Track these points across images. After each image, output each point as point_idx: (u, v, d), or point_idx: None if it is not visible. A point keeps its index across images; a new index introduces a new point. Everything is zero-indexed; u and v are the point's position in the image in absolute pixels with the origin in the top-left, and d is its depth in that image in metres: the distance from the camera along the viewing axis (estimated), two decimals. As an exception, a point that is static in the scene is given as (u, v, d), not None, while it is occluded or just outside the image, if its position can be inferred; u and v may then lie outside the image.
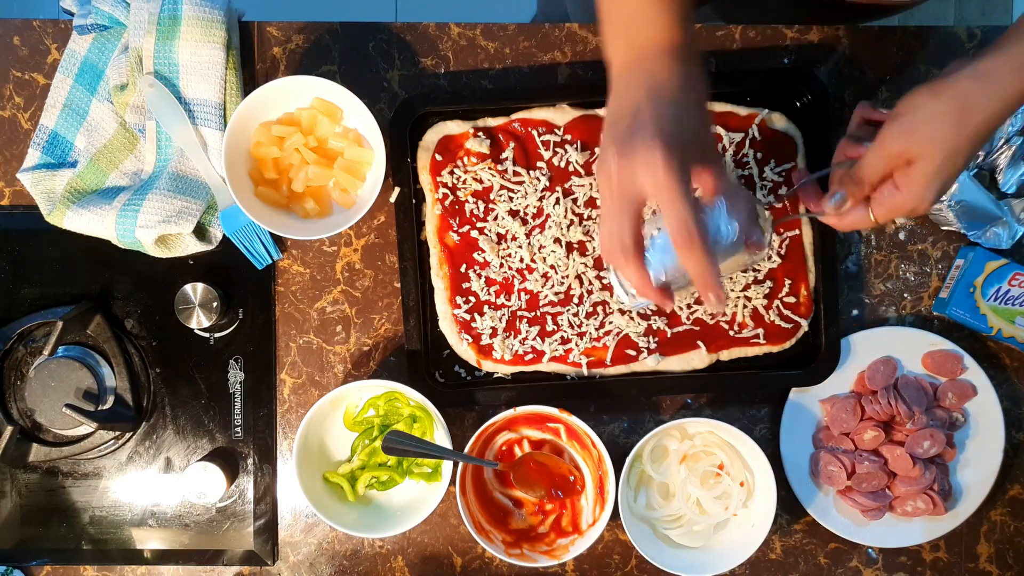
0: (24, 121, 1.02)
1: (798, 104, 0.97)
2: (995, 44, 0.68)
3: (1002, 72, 0.66)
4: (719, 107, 0.95)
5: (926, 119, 0.68)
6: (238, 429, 1.00)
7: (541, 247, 0.96)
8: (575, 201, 0.96)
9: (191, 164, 0.97)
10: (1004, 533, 1.01)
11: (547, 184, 0.96)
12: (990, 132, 0.67)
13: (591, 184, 0.95)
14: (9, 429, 0.95)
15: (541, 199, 0.96)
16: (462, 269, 0.96)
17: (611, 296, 0.96)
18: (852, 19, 1.05)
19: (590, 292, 0.96)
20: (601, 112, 0.96)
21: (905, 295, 1.00)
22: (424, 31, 1.01)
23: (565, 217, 0.95)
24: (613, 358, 0.96)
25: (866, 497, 0.96)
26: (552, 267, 0.96)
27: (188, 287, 0.96)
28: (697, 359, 0.96)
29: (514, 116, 0.96)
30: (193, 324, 0.97)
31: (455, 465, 0.95)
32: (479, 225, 0.96)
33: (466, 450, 0.95)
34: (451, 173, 0.96)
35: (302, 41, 1.01)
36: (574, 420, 0.93)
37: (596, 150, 0.95)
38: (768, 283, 0.95)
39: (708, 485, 0.97)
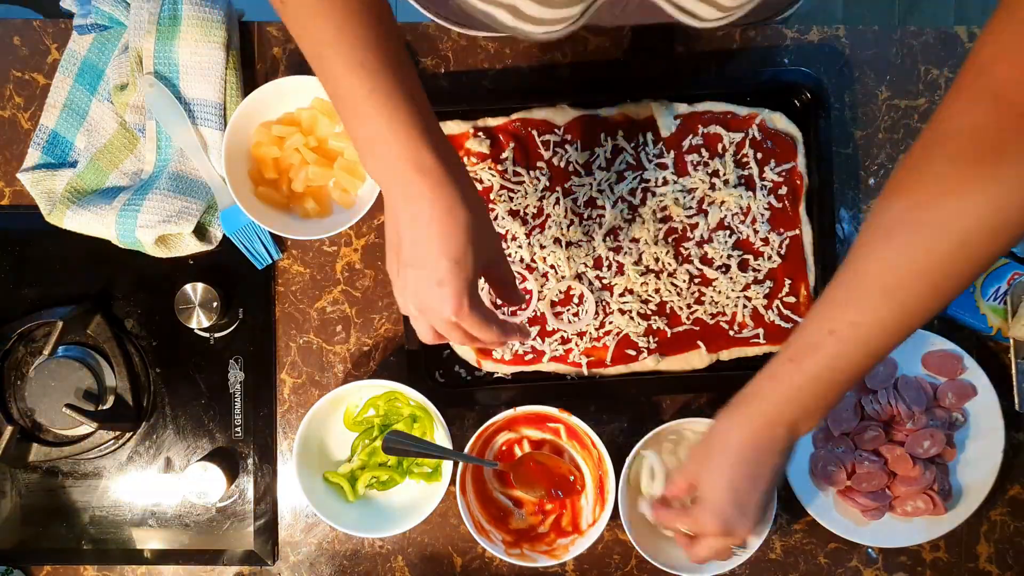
0: (24, 121, 1.02)
1: (798, 104, 0.97)
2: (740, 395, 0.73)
3: (745, 406, 0.72)
4: (719, 107, 0.95)
5: (695, 449, 0.77)
6: (238, 429, 1.00)
7: (541, 247, 0.96)
8: (575, 201, 0.96)
9: (191, 164, 0.97)
10: (1004, 533, 1.01)
11: (547, 184, 0.96)
12: (750, 460, 0.72)
13: (591, 184, 0.95)
14: (9, 429, 0.95)
15: (541, 199, 0.96)
16: (462, 269, 0.96)
17: (611, 296, 0.96)
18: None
19: (590, 292, 0.96)
20: (602, 112, 0.96)
21: (905, 295, 1.00)
22: (424, 31, 1.01)
23: (565, 217, 0.95)
24: (613, 358, 0.96)
25: (866, 497, 0.96)
26: (552, 267, 0.96)
27: (188, 287, 0.96)
28: (697, 359, 0.96)
29: (514, 116, 0.96)
30: (193, 324, 0.97)
31: (455, 465, 0.95)
32: (479, 225, 0.96)
33: (466, 450, 0.95)
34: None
35: (302, 41, 1.01)
36: (574, 420, 0.93)
37: (596, 150, 0.95)
38: (768, 283, 0.95)
39: None
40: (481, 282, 0.76)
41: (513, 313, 0.96)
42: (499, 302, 0.96)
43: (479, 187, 0.96)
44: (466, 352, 0.97)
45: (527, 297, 0.74)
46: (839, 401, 0.71)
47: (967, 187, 0.59)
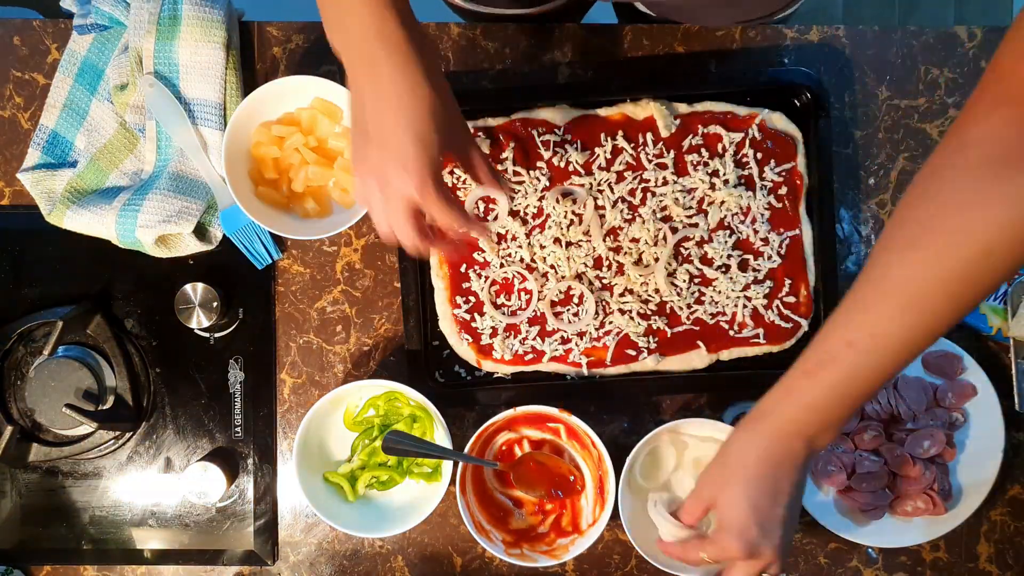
0: (24, 121, 1.02)
1: (798, 104, 0.97)
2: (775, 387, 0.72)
3: (761, 421, 0.71)
4: (719, 107, 0.95)
5: (707, 471, 0.75)
6: (238, 429, 1.00)
7: (541, 247, 0.96)
8: (575, 201, 0.96)
9: (191, 164, 0.97)
10: (1004, 533, 1.01)
11: (547, 184, 0.96)
12: (768, 475, 0.70)
13: (591, 184, 0.95)
14: (9, 429, 0.95)
15: (541, 199, 0.96)
16: (462, 269, 0.96)
17: (611, 296, 0.96)
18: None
19: (590, 291, 0.96)
20: (602, 112, 0.96)
21: (905, 295, 1.00)
22: (424, 31, 1.00)
23: (565, 217, 0.95)
24: (613, 358, 0.96)
25: (866, 497, 0.96)
26: (552, 267, 0.96)
27: (188, 287, 0.96)
28: (697, 359, 0.96)
29: (514, 116, 0.96)
30: (193, 324, 0.97)
31: (455, 465, 0.95)
32: (479, 225, 0.96)
33: (466, 450, 0.95)
34: (451, 173, 0.96)
35: (302, 41, 1.01)
36: (574, 420, 0.93)
37: (596, 150, 0.95)
38: (768, 283, 0.95)
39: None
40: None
41: (513, 313, 0.96)
42: (498, 302, 0.96)
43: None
44: (466, 352, 0.97)
45: (504, 180, 0.73)
46: (854, 413, 0.69)
47: (991, 195, 0.59)
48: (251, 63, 1.01)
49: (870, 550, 1.01)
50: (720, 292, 0.95)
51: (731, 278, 0.95)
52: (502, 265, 0.96)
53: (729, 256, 0.95)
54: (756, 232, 0.95)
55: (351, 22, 0.63)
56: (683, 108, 0.95)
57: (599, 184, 0.95)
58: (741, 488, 0.71)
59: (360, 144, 0.68)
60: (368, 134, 0.66)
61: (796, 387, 0.69)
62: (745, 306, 0.96)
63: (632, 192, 0.95)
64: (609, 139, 0.95)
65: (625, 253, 0.95)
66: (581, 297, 0.96)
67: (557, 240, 0.95)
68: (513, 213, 0.96)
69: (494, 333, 0.96)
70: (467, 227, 0.72)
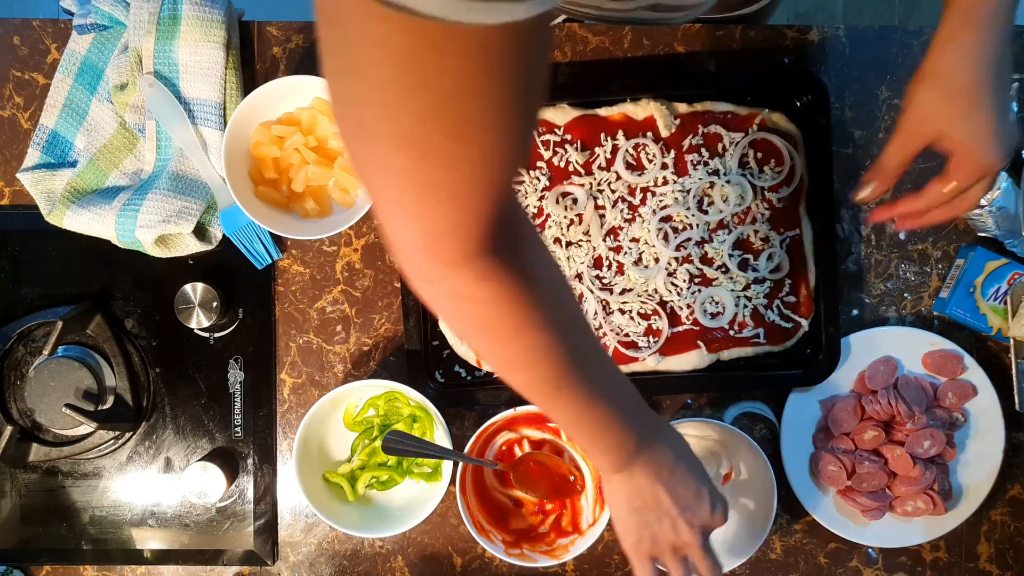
0: (24, 121, 1.02)
1: (798, 104, 0.97)
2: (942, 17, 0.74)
3: (955, 32, 0.71)
4: (719, 107, 0.95)
5: (926, 105, 0.74)
6: (238, 429, 1.00)
7: (541, 247, 0.96)
8: (575, 201, 0.96)
9: (191, 164, 0.97)
10: (1004, 533, 1.01)
11: (547, 184, 0.96)
12: (985, 77, 0.71)
13: (591, 184, 0.95)
14: (9, 429, 0.95)
15: (541, 199, 0.96)
16: (462, 269, 0.96)
17: (611, 296, 0.96)
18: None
19: (590, 292, 0.96)
20: (602, 112, 0.96)
21: (905, 295, 1.00)
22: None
23: (565, 217, 0.95)
24: (613, 358, 0.96)
25: (866, 497, 0.96)
26: (552, 267, 0.96)
27: (188, 287, 0.96)
28: (697, 359, 0.96)
29: (514, 116, 0.96)
30: (193, 324, 0.97)
31: (455, 465, 0.95)
32: (479, 225, 0.96)
33: (466, 450, 0.95)
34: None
35: (302, 41, 1.01)
36: (574, 420, 0.93)
37: (596, 150, 0.95)
38: (768, 283, 0.95)
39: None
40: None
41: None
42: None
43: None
44: (466, 352, 0.97)
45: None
46: None
47: None
48: (251, 63, 1.01)
49: (870, 550, 1.01)
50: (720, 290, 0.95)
51: (731, 278, 0.95)
52: (502, 265, 0.96)
53: (729, 256, 0.95)
54: (756, 232, 0.95)
55: (602, 447, 0.76)
56: (683, 108, 0.95)
57: (599, 184, 0.95)
58: (991, 99, 0.71)
59: (647, 539, 0.78)
60: (674, 512, 0.76)
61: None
62: (745, 306, 0.96)
63: (632, 192, 0.95)
64: (609, 139, 0.95)
65: (625, 253, 0.95)
66: (581, 297, 0.96)
67: (557, 240, 0.95)
68: (513, 213, 0.96)
69: (494, 333, 0.96)
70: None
